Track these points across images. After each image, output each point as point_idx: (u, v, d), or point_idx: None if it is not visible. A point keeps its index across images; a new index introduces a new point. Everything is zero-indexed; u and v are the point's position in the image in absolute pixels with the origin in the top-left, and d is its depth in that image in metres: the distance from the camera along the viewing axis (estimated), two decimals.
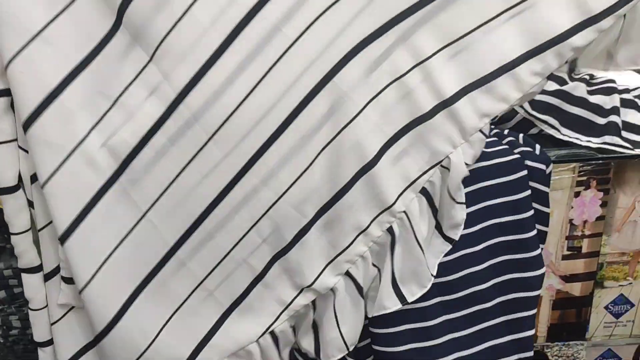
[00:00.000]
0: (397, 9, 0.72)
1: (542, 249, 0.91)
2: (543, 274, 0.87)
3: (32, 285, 0.83)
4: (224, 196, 0.76)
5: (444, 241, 0.83)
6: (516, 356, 0.90)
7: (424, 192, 0.79)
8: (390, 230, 0.79)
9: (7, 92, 0.74)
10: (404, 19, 0.72)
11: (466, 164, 0.78)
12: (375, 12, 0.72)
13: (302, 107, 0.74)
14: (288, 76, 0.73)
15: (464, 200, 0.81)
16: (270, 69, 0.72)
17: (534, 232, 0.85)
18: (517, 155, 0.85)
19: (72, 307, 0.83)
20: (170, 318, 0.81)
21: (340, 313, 0.82)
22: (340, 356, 0.84)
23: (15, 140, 0.77)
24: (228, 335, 0.82)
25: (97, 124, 0.75)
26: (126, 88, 0.74)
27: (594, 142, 0.90)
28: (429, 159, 0.77)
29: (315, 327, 0.84)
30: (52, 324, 0.84)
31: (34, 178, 0.77)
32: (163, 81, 0.73)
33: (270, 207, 0.77)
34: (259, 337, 0.83)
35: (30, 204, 0.79)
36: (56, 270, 0.81)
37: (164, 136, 0.74)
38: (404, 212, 0.79)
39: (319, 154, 0.76)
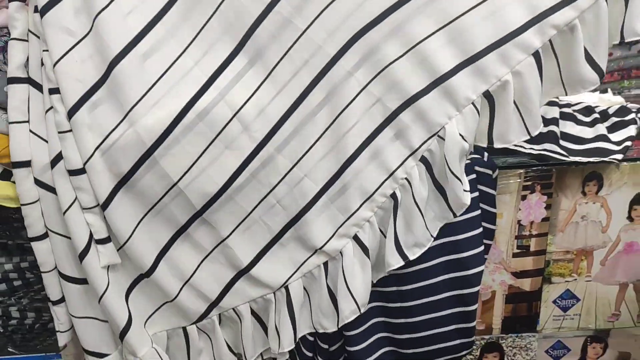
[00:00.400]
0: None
1: (490, 245, 1.02)
2: (482, 271, 0.98)
3: (42, 250, 0.95)
4: (247, 164, 0.89)
5: (447, 209, 0.93)
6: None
7: (423, 160, 0.91)
8: (393, 195, 0.91)
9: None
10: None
11: (461, 136, 0.88)
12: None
13: (303, 98, 0.88)
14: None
15: (462, 176, 0.90)
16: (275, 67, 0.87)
17: (480, 229, 0.96)
18: (467, 161, 0.96)
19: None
20: (198, 266, 0.95)
21: (349, 275, 0.94)
22: (353, 317, 0.96)
23: (27, 122, 0.90)
24: (249, 284, 0.97)
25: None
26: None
27: (536, 148, 1.01)
28: (427, 130, 0.89)
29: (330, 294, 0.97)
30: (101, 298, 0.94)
31: (53, 163, 0.89)
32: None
33: (286, 174, 0.90)
34: (276, 290, 0.96)
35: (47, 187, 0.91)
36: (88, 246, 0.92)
37: (193, 112, 0.86)
38: (406, 178, 0.91)
39: (326, 129, 0.89)
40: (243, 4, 0.87)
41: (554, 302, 1.14)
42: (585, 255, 1.10)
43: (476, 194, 0.96)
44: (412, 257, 0.94)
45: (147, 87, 0.87)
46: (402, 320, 1.02)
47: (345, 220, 0.93)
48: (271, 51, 0.87)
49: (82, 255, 0.92)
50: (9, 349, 1.13)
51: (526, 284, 1.12)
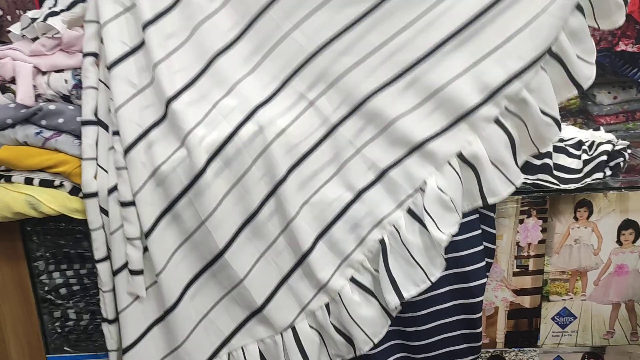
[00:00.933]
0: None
1: (492, 263, 1.15)
2: (484, 283, 1.10)
3: (104, 272, 1.09)
4: (259, 210, 1.04)
5: (438, 255, 1.05)
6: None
7: (410, 211, 1.05)
8: (382, 241, 1.05)
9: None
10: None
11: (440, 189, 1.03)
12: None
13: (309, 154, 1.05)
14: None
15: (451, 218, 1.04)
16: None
17: (481, 247, 1.09)
18: None
19: (136, 298, 1.08)
20: (217, 302, 1.08)
21: (353, 311, 1.05)
22: (367, 347, 1.07)
23: (96, 158, 1.07)
24: (260, 323, 1.09)
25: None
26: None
27: (530, 178, 1.14)
28: (411, 185, 1.04)
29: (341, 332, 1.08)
30: (120, 312, 1.08)
31: (109, 192, 1.06)
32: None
33: (291, 221, 1.03)
34: (283, 330, 1.08)
35: (104, 211, 1.07)
36: (124, 266, 1.07)
37: (220, 160, 1.03)
38: (393, 226, 1.05)
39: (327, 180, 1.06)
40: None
41: (553, 319, 1.25)
42: (580, 275, 1.21)
43: (476, 215, 1.09)
44: (407, 296, 1.04)
45: (193, 125, 1.03)
46: (413, 329, 1.14)
47: (342, 262, 1.06)
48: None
49: (117, 272, 1.07)
50: (64, 348, 1.28)
51: (526, 301, 1.23)
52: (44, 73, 1.11)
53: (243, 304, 1.08)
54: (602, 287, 1.22)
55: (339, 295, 1.06)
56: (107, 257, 1.09)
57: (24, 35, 1.11)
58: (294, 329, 1.09)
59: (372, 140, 1.04)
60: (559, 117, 1.03)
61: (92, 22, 1.07)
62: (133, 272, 1.06)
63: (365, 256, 1.06)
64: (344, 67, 1.03)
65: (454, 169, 1.03)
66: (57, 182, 1.10)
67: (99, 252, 1.09)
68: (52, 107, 1.08)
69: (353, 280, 1.07)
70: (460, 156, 1.03)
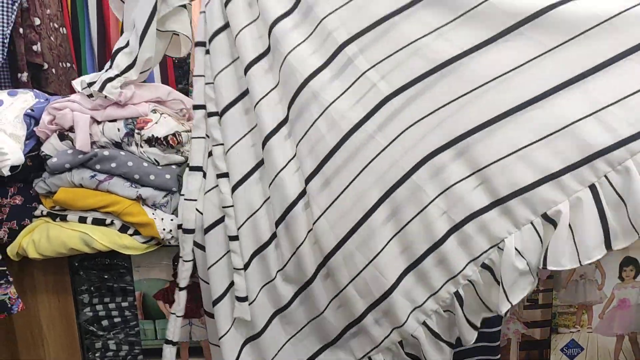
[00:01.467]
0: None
1: None
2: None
3: (183, 298, 1.20)
4: (342, 244, 1.07)
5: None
6: None
7: (485, 265, 1.03)
8: (457, 293, 1.06)
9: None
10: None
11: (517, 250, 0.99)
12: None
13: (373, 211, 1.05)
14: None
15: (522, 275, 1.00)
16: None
17: None
18: None
19: (233, 323, 1.18)
20: (303, 327, 1.19)
21: (427, 355, 1.11)
22: None
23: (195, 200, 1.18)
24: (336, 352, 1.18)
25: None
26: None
27: None
28: (489, 241, 1.02)
29: None
30: (221, 338, 1.18)
31: (207, 230, 1.17)
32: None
33: (363, 269, 1.07)
34: None
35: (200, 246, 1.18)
36: (222, 296, 1.17)
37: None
38: (469, 280, 1.05)
39: (391, 239, 1.06)
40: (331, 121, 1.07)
41: (562, 350, 1.33)
42: (586, 309, 1.31)
43: None
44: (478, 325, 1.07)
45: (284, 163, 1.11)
46: None
47: (414, 309, 1.09)
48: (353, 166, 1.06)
49: (216, 302, 1.17)
50: None
51: (537, 333, 1.32)
52: (98, 122, 1.23)
53: (320, 335, 1.18)
54: (606, 320, 1.31)
55: (412, 336, 1.11)
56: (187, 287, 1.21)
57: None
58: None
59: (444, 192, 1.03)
60: None
61: (199, 77, 1.19)
62: (240, 299, 1.15)
63: (440, 305, 1.09)
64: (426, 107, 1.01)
65: (536, 230, 0.99)
66: (108, 221, 1.21)
67: (184, 281, 1.20)
68: (106, 152, 1.20)
69: (425, 324, 1.11)
70: (544, 216, 0.97)
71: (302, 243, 1.10)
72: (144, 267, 1.29)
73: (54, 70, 1.70)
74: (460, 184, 1.00)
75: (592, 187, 0.95)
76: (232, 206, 1.14)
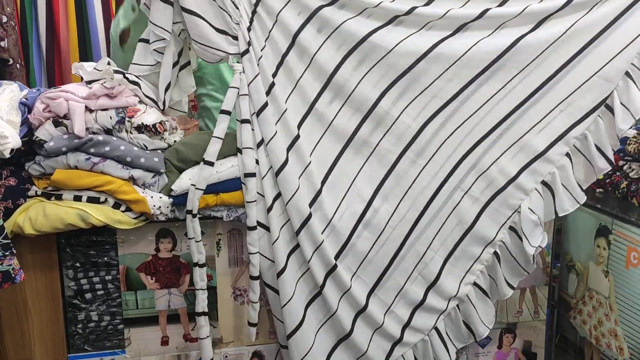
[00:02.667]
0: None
1: None
2: None
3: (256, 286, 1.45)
4: (397, 255, 1.47)
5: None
6: None
7: (511, 228, 1.47)
8: (495, 253, 1.48)
9: None
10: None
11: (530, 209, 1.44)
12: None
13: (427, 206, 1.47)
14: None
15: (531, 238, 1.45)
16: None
17: None
18: None
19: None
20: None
21: (479, 308, 1.51)
22: (486, 333, 1.53)
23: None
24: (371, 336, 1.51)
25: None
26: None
27: None
28: (509, 209, 1.45)
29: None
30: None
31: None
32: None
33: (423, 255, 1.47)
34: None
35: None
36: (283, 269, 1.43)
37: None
38: (502, 241, 1.48)
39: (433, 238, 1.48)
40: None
41: None
42: None
43: None
44: (515, 287, 1.50)
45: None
46: None
47: (465, 274, 1.49)
48: (405, 181, 1.44)
49: (279, 274, 1.40)
50: (85, 347, 1.47)
51: None
52: (91, 111, 1.36)
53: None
54: None
55: (467, 296, 1.50)
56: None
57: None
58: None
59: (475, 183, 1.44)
60: (610, 155, 1.40)
61: (248, 149, 1.41)
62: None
63: (484, 265, 1.50)
64: (447, 133, 1.42)
65: (539, 193, 1.44)
66: (102, 199, 1.35)
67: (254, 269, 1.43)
68: (100, 138, 1.34)
69: (475, 284, 1.51)
70: (543, 182, 1.43)
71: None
72: (128, 243, 1.44)
73: (17, 65, 1.78)
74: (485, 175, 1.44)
75: (568, 155, 1.43)
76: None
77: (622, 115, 1.37)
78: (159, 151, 1.43)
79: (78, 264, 1.43)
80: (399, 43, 1.35)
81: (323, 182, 1.42)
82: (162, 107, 1.45)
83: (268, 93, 1.39)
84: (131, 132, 1.38)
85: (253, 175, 1.39)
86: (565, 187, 1.44)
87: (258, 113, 1.39)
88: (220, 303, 1.51)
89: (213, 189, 1.39)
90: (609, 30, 1.35)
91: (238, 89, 1.39)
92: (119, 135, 1.38)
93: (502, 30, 1.37)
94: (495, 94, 1.39)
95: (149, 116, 1.40)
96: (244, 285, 1.51)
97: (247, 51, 1.38)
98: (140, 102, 1.42)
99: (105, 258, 1.44)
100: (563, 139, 1.41)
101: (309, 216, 1.38)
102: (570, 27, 1.35)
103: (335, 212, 1.42)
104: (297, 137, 1.40)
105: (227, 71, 1.88)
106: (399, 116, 1.40)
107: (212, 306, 1.48)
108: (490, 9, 1.35)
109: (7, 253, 1.23)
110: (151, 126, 1.39)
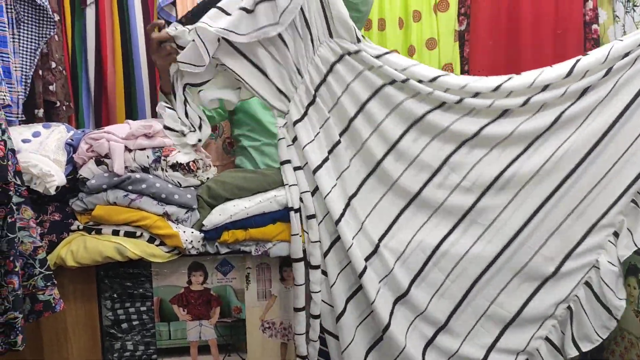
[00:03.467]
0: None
1: None
2: None
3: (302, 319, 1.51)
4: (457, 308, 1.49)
5: (610, 317, 1.45)
6: None
7: (587, 284, 1.46)
8: (569, 307, 1.48)
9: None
10: None
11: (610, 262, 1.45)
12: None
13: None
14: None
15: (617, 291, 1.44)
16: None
17: None
18: None
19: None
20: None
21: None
22: None
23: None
24: None
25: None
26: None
27: None
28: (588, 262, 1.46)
29: None
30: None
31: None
32: None
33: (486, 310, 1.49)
34: None
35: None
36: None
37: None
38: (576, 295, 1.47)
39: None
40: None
41: None
42: None
43: None
44: (584, 350, 1.45)
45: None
46: None
47: (537, 330, 1.48)
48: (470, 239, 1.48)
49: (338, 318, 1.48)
50: None
51: None
52: (130, 151, 1.46)
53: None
54: None
55: (538, 350, 1.49)
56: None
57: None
58: None
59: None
60: None
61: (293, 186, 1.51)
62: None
63: (557, 320, 1.49)
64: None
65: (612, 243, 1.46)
66: (138, 233, 1.43)
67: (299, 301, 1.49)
68: (137, 175, 1.43)
69: (547, 339, 1.49)
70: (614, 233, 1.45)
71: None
72: (162, 275, 1.51)
73: (63, 107, 1.91)
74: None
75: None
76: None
77: None
78: (192, 188, 1.51)
79: (115, 295, 1.51)
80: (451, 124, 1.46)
81: (381, 239, 1.49)
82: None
83: (331, 151, 1.50)
84: (166, 170, 1.46)
85: (313, 217, 1.47)
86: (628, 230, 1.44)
87: (318, 168, 1.49)
88: (249, 336, 1.55)
89: (241, 224, 1.46)
90: None
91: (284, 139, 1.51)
92: (155, 173, 1.47)
93: (543, 110, 1.44)
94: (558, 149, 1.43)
95: (183, 155, 1.48)
96: (272, 318, 1.56)
97: (301, 119, 1.50)
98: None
99: (141, 290, 1.51)
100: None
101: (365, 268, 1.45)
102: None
103: (396, 262, 1.48)
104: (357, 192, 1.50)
105: (261, 110, 1.97)
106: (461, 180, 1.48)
107: (241, 338, 1.53)
108: (533, 96, 1.42)
109: (49, 284, 1.32)
110: (185, 164, 1.47)
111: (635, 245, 1.42)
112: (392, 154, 1.48)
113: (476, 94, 1.44)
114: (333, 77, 1.49)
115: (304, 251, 1.47)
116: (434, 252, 1.46)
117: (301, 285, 1.46)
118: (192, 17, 1.43)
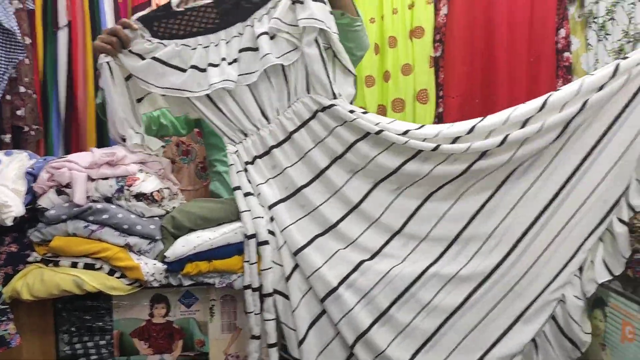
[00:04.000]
0: None
1: None
2: None
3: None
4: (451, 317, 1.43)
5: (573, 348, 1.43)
6: None
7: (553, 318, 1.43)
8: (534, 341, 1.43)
9: None
10: None
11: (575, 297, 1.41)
12: None
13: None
14: None
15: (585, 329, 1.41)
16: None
17: None
18: None
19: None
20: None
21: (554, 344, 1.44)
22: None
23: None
24: None
25: None
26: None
27: None
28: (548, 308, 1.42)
29: None
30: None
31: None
32: None
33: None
34: None
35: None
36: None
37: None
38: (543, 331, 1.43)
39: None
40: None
41: None
42: None
43: None
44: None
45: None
46: None
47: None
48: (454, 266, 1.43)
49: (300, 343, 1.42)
50: None
51: None
52: (92, 180, 1.43)
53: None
54: None
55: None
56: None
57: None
58: None
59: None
60: None
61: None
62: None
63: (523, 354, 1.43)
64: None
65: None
66: (97, 265, 1.39)
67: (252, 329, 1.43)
68: (99, 206, 1.40)
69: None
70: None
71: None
72: (122, 308, 1.47)
73: (32, 132, 1.88)
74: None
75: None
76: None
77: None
78: (156, 218, 1.47)
79: (73, 329, 1.46)
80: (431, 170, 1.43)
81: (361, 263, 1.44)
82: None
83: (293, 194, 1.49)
84: (129, 200, 1.43)
85: (266, 243, 1.43)
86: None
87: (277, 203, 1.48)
88: None
89: (205, 256, 1.42)
90: None
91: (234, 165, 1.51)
92: (117, 203, 1.43)
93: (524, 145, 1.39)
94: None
95: (148, 184, 1.45)
96: (236, 351, 1.52)
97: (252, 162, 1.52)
98: (141, 170, 1.48)
99: (100, 323, 1.47)
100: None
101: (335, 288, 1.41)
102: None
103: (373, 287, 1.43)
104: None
105: None
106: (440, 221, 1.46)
107: None
108: (508, 134, 1.37)
109: (3, 318, 1.28)
110: (149, 194, 1.44)
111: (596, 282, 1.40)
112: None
113: (454, 140, 1.41)
114: (305, 130, 1.49)
115: None
116: (403, 293, 1.43)
117: (250, 313, 1.42)
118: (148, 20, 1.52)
